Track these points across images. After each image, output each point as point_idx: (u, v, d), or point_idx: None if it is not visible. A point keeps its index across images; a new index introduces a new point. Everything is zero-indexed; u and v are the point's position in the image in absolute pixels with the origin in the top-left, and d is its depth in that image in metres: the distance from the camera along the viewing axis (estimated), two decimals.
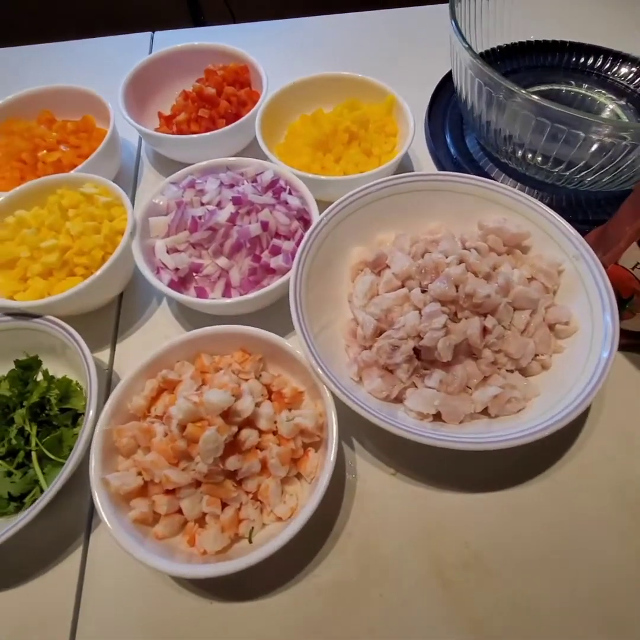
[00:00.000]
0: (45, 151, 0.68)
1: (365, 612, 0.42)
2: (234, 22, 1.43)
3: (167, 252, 0.55)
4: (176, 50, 0.75)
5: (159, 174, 0.73)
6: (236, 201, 0.54)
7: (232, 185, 0.57)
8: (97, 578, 0.45)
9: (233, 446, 0.43)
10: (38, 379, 0.53)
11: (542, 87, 0.78)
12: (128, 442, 0.44)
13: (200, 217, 0.54)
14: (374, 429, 0.43)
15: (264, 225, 0.53)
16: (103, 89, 0.70)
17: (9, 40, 0.91)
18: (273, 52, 0.86)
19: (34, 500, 0.46)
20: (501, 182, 0.68)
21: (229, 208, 0.54)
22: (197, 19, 1.32)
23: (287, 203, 0.56)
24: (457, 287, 0.47)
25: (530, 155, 0.61)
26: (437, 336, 0.45)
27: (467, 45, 0.57)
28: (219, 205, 0.55)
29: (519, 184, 0.68)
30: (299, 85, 0.70)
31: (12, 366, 0.53)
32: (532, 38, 0.78)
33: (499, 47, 0.78)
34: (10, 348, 0.54)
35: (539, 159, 0.60)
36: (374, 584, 0.43)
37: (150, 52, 0.90)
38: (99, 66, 0.87)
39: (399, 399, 0.49)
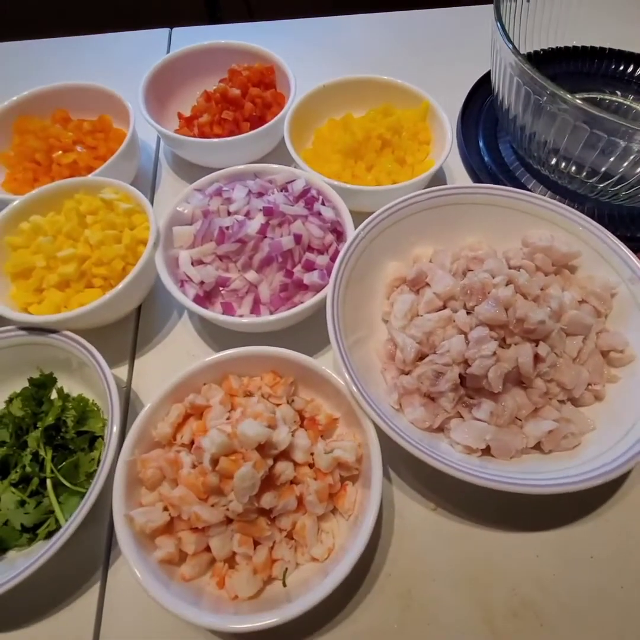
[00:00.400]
0: (60, 152, 0.64)
1: None
2: (251, 18, 1.40)
3: (192, 264, 0.51)
4: (198, 49, 0.71)
5: (178, 178, 0.70)
6: (267, 212, 0.51)
7: (261, 194, 0.54)
8: (116, 616, 0.42)
9: (268, 481, 0.39)
10: (52, 397, 0.50)
11: (579, 95, 0.75)
12: (153, 474, 0.40)
13: (228, 228, 0.51)
14: (413, 460, 0.40)
15: (297, 238, 0.50)
16: (119, 86, 0.67)
17: (22, 33, 0.87)
18: (296, 51, 0.82)
19: (49, 531, 0.44)
20: (538, 193, 0.65)
21: (259, 219, 0.51)
22: (214, 14, 1.28)
23: (320, 214, 0.52)
24: (506, 310, 0.44)
25: (574, 168, 0.58)
26: (488, 364, 0.42)
27: (512, 47, 0.53)
28: (247, 215, 0.52)
29: (557, 196, 0.65)
30: (329, 89, 0.66)
31: (25, 381, 0.50)
32: (570, 43, 0.74)
33: (535, 52, 0.75)
34: (22, 363, 0.51)
35: (585, 173, 0.57)
36: (417, 631, 0.40)
37: (168, 48, 0.86)
38: (115, 62, 0.84)
39: (439, 428, 0.46)
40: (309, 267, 0.50)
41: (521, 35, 0.72)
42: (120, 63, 0.83)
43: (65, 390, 0.50)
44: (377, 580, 0.42)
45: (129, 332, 0.57)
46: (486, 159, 0.70)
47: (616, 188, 0.56)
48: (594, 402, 0.46)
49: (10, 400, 0.49)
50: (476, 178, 0.69)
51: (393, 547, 0.44)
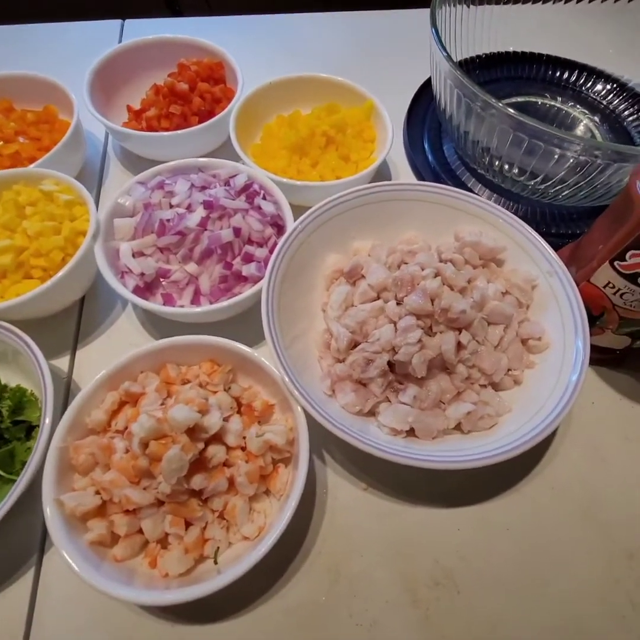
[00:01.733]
0: (1, 142, 0.63)
1: (335, 633, 0.41)
2: (210, 10, 1.39)
3: (133, 256, 0.52)
4: (148, 42, 0.71)
5: (127, 171, 0.70)
6: (207, 205, 0.52)
7: (203, 188, 0.55)
8: (50, 603, 0.43)
9: (199, 464, 0.41)
10: None
11: (519, 98, 0.79)
12: (85, 460, 0.41)
13: (168, 220, 0.52)
14: (345, 443, 0.42)
15: (237, 231, 0.51)
16: (67, 77, 0.67)
17: None
18: (249, 47, 0.83)
19: None
20: (477, 192, 0.69)
21: (200, 212, 0.52)
22: (172, 7, 1.27)
23: (260, 208, 0.54)
24: (432, 301, 0.47)
25: (506, 167, 0.61)
26: (412, 351, 0.45)
27: (446, 54, 0.56)
28: (189, 208, 0.53)
29: (494, 195, 0.68)
30: (276, 86, 0.68)
31: None
32: (511, 49, 0.78)
33: (478, 56, 0.78)
34: None
35: (516, 171, 0.60)
36: (343, 603, 0.42)
37: (120, 41, 0.86)
38: (64, 53, 0.83)
39: (372, 412, 0.48)
40: (248, 259, 0.52)
41: (464, 39, 0.75)
42: (70, 54, 0.82)
43: (3, 381, 0.50)
44: (307, 558, 0.44)
45: (72, 323, 0.57)
46: (430, 158, 0.73)
47: (542, 186, 0.59)
48: (513, 386, 0.49)
49: None
50: (420, 176, 0.71)
51: (325, 526, 0.46)
